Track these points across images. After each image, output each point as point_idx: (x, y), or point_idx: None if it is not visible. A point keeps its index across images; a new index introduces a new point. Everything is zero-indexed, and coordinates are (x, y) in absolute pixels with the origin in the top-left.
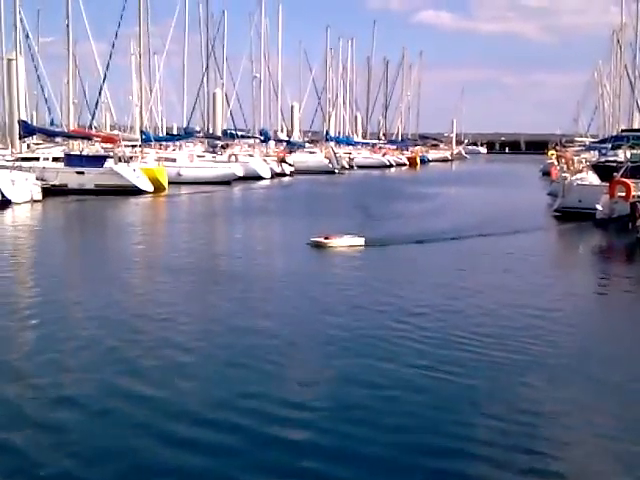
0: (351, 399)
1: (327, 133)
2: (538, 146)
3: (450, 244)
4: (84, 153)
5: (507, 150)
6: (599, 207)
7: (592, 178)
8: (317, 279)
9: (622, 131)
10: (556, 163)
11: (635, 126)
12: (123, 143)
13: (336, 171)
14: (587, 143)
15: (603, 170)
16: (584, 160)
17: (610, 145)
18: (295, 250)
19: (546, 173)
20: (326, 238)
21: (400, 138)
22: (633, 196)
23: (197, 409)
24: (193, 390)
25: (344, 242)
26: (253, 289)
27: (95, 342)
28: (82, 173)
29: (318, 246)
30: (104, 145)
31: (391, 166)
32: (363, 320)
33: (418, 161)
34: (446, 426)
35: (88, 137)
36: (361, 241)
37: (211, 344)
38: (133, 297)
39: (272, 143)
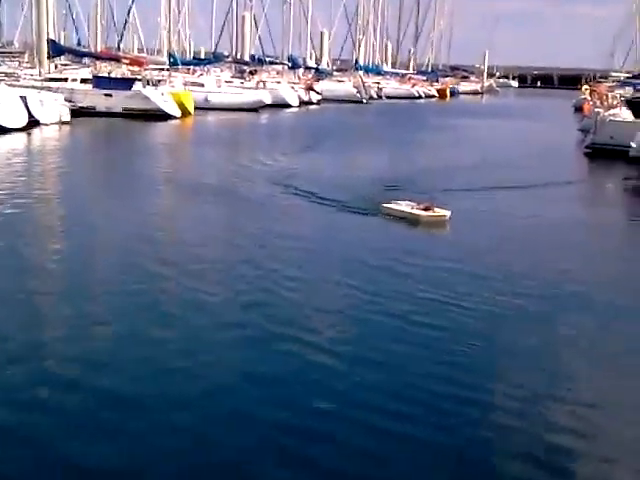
0: None
1: (356, 62)
2: (572, 81)
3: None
4: (112, 75)
5: (539, 84)
6: (633, 144)
7: (626, 114)
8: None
9: None
10: (589, 98)
11: None
12: (151, 66)
13: (364, 101)
14: (622, 78)
15: (638, 106)
16: (618, 95)
17: None
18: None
19: (579, 109)
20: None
21: (430, 69)
22: None
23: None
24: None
25: None
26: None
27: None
28: (110, 95)
29: None
30: (131, 68)
31: (420, 97)
32: None
33: (448, 93)
34: None
35: (116, 59)
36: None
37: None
38: (153, 216)
39: (300, 70)
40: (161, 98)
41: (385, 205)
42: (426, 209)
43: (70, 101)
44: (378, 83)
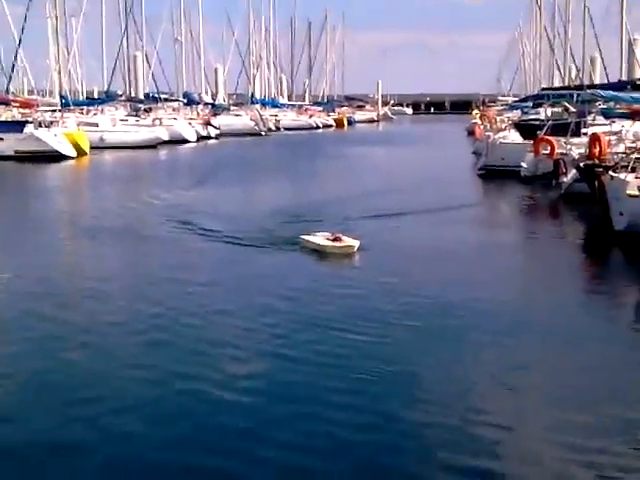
0: None
1: (252, 95)
2: (463, 106)
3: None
4: (2, 119)
5: (433, 110)
6: (524, 165)
7: (514, 136)
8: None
9: (542, 89)
10: (480, 122)
11: (555, 84)
12: (42, 108)
13: (263, 133)
14: (509, 102)
15: (525, 128)
16: (507, 119)
17: (532, 104)
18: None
19: (471, 132)
20: None
21: (326, 100)
22: (557, 153)
23: None
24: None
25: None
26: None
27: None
28: (1, 139)
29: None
30: (22, 110)
31: (318, 127)
32: None
33: (345, 122)
34: None
35: (5, 102)
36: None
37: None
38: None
39: (199, 106)
40: (55, 139)
41: (302, 237)
42: (335, 240)
43: None
44: (276, 115)
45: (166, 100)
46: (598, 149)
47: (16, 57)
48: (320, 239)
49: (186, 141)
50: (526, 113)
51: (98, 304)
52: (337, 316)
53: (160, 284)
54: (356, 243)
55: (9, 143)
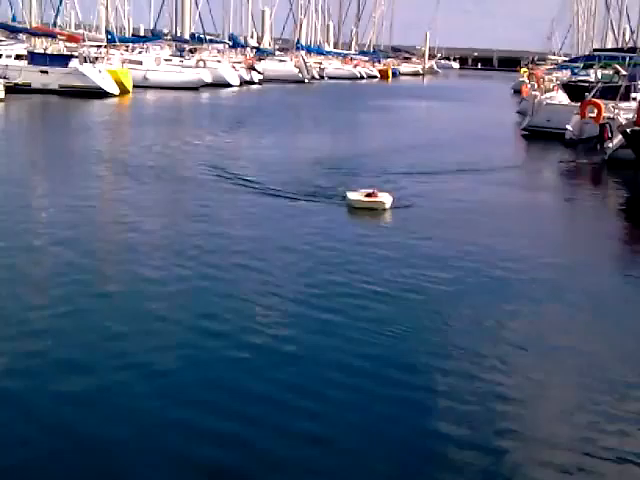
0: None
1: (298, 41)
2: (511, 63)
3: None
4: (48, 52)
5: (480, 66)
6: (569, 127)
7: (562, 97)
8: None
9: (594, 50)
10: (527, 81)
11: (608, 46)
12: (88, 43)
13: (306, 81)
14: (559, 62)
15: (574, 90)
16: (555, 79)
17: (582, 64)
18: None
19: (517, 91)
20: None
21: (372, 50)
22: (603, 117)
23: None
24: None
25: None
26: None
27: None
28: (46, 72)
29: None
30: (68, 44)
31: (362, 78)
32: None
33: (390, 74)
34: None
35: (52, 35)
36: None
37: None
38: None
39: (244, 50)
40: (99, 75)
41: (341, 190)
42: (369, 195)
43: (4, 77)
44: (320, 63)
45: (211, 41)
46: None
47: None
48: (356, 194)
49: (229, 85)
50: (576, 74)
51: (128, 254)
52: (365, 270)
53: (188, 232)
54: (389, 200)
55: (54, 77)
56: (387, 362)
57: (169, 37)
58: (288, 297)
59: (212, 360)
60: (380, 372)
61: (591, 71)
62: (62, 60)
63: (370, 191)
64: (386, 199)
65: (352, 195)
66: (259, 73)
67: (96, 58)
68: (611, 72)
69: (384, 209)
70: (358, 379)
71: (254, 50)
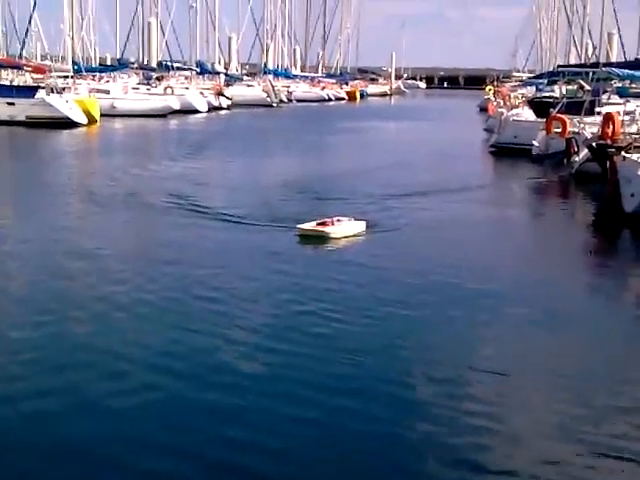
0: None
1: (265, 66)
2: (476, 81)
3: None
4: (14, 83)
5: (446, 85)
6: (535, 143)
7: (528, 114)
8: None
9: (558, 66)
10: (493, 99)
11: (571, 61)
12: (55, 74)
13: (274, 105)
14: (524, 79)
15: (539, 106)
16: (520, 96)
17: (546, 81)
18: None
19: (483, 109)
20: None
21: (339, 72)
22: (569, 132)
23: None
24: None
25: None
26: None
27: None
28: (13, 104)
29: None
30: (35, 75)
31: (330, 100)
32: None
33: (357, 95)
34: None
35: (18, 67)
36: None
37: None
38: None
39: (212, 76)
40: (66, 105)
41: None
42: (333, 224)
43: None
44: (288, 87)
45: (179, 69)
46: (611, 129)
47: (30, 21)
48: (313, 225)
49: (197, 111)
50: (540, 90)
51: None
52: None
53: (142, 261)
54: (357, 226)
55: (21, 108)
56: (340, 390)
57: (136, 65)
58: (239, 325)
59: (165, 399)
60: (332, 402)
61: (556, 87)
62: (29, 91)
63: (324, 220)
64: (337, 230)
65: (314, 226)
66: (227, 99)
67: (63, 88)
68: (575, 87)
69: (335, 238)
70: (315, 411)
71: (222, 76)
